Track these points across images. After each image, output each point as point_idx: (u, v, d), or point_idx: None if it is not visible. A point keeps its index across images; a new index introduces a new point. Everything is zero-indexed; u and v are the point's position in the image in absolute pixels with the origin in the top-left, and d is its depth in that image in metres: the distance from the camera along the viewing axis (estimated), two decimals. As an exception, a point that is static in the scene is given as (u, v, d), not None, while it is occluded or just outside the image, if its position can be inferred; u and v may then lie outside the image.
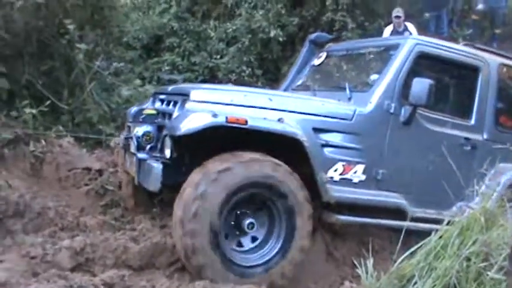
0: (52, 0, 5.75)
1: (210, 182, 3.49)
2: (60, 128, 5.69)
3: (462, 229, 2.81)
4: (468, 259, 2.62)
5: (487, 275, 2.52)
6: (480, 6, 10.56)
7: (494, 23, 10.61)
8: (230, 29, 9.80)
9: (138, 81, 7.23)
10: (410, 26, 8.57)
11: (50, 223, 4.29)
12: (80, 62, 5.96)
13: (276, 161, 3.73)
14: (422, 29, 8.87)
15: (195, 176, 3.59)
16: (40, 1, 5.81)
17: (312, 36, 5.91)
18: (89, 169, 5.31)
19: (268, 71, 9.79)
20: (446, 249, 2.77)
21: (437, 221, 4.11)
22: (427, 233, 3.13)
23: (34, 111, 5.59)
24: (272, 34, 9.21)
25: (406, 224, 4.17)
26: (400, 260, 2.92)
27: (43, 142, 5.30)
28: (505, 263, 2.49)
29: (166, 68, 9.59)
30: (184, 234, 3.47)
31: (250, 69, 9.46)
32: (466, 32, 10.10)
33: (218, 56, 9.80)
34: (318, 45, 5.77)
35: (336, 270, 4.26)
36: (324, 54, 5.56)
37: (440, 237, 2.88)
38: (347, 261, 4.34)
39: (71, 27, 5.73)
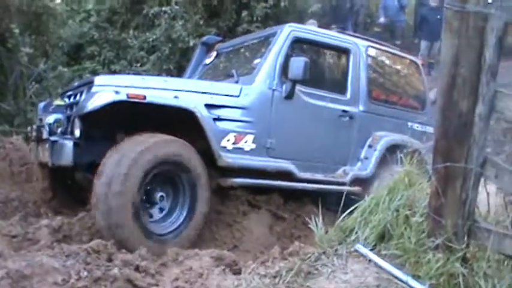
0: (-3, 6, 5.93)
1: (131, 161, 3.87)
2: (7, 127, 5.89)
3: (390, 189, 3.49)
4: (397, 210, 3.29)
5: (413, 219, 3.20)
6: (381, 20, 11.75)
7: (394, 35, 11.68)
8: (150, 38, 10.08)
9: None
10: (320, 36, 9.24)
11: (14, 211, 4.59)
12: (21, 65, 6.17)
13: (182, 141, 4.22)
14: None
15: (115, 155, 3.94)
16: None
17: (204, 39, 6.49)
18: (40, 164, 5.55)
19: (186, 78, 10.17)
20: (379, 206, 3.44)
21: (328, 183, 4.97)
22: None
23: (-19, 111, 5.75)
24: (191, 43, 9.48)
25: (294, 184, 4.92)
26: (342, 217, 3.53)
27: (-6, 139, 5.50)
28: (425, 210, 3.16)
29: (88, 75, 9.65)
30: (108, 210, 3.80)
31: (169, 77, 9.85)
32: (369, 43, 10.97)
33: (138, 64, 10.08)
34: (209, 47, 6.31)
35: (278, 242, 4.70)
36: (214, 53, 6.11)
37: (373, 198, 3.55)
38: (287, 235, 4.93)
39: (16, 31, 5.96)
